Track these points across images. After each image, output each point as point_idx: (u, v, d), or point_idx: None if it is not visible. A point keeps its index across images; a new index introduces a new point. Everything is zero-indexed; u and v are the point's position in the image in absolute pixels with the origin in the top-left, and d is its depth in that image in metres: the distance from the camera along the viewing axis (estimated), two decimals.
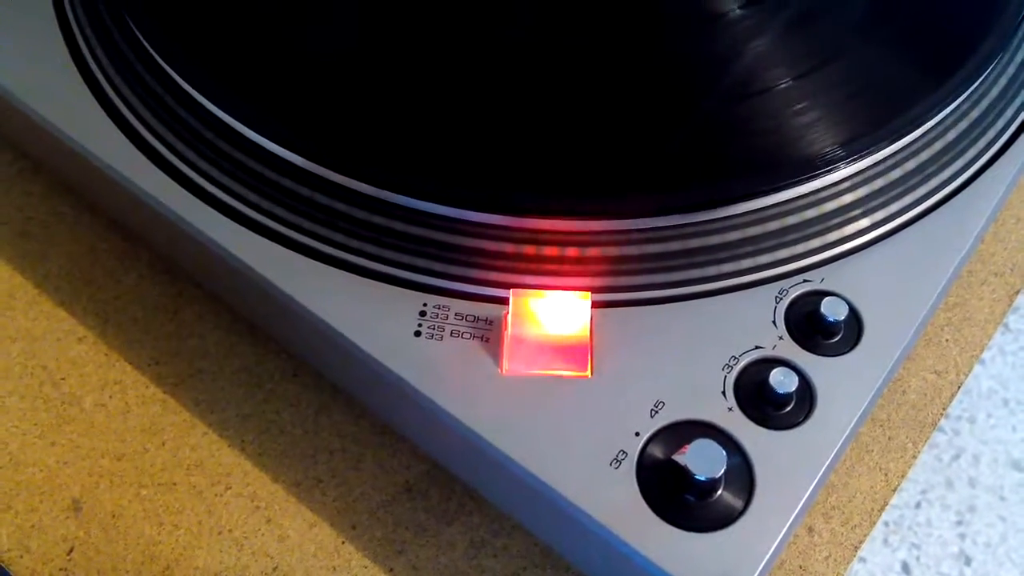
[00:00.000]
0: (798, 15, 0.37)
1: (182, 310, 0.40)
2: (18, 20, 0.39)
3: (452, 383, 0.31)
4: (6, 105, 0.37)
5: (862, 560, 0.47)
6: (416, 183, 0.32)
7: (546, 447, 0.30)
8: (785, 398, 0.30)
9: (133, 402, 0.38)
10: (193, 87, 0.35)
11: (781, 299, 0.32)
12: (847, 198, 0.33)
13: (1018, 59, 0.38)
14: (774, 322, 0.32)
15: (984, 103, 0.36)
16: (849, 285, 0.33)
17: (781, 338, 0.32)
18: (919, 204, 0.34)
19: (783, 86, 0.34)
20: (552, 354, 0.31)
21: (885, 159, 0.34)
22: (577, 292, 0.31)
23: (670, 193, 0.32)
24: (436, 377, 0.31)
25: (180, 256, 0.38)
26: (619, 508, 0.29)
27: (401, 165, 0.32)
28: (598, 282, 0.32)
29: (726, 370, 0.31)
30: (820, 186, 0.33)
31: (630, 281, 0.32)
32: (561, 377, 0.31)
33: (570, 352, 0.31)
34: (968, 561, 0.48)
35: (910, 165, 0.34)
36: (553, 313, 0.31)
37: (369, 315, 0.32)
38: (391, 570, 0.35)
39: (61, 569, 0.35)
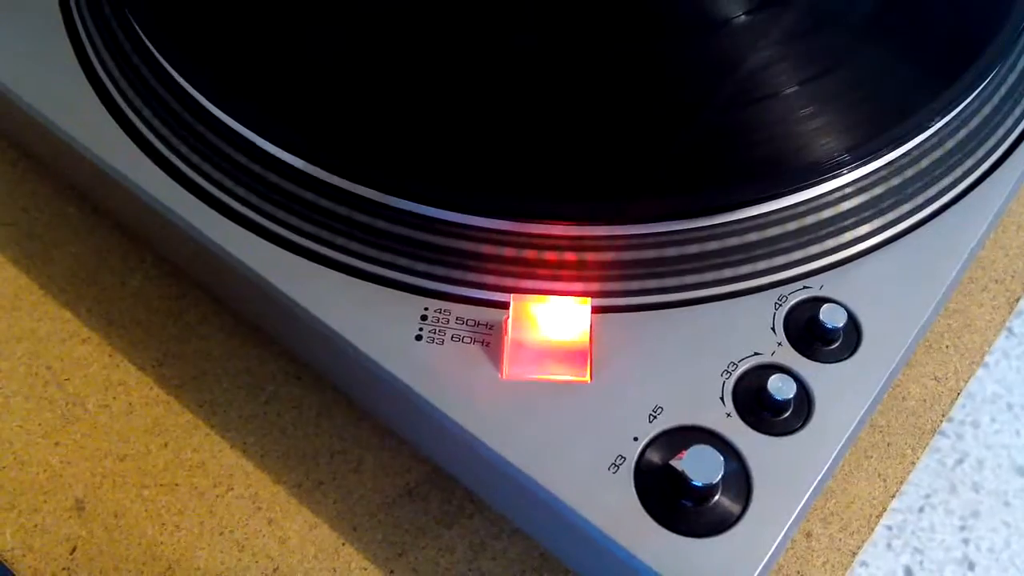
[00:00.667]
0: (802, 22, 0.38)
1: (186, 312, 0.40)
2: (23, 20, 0.40)
3: (452, 387, 0.31)
4: (10, 104, 0.38)
5: (864, 564, 0.47)
6: (417, 187, 0.32)
7: (545, 452, 0.30)
8: (783, 404, 0.30)
9: (136, 403, 0.39)
10: (195, 88, 0.35)
11: (780, 305, 0.33)
12: (846, 205, 0.33)
13: (1019, 67, 0.38)
14: (773, 328, 0.32)
15: (985, 110, 0.36)
16: (848, 292, 0.33)
17: (780, 344, 0.32)
18: (919, 211, 0.34)
19: (784, 93, 0.35)
20: (552, 359, 0.31)
21: (885, 166, 0.34)
22: (577, 297, 0.31)
23: (668, 199, 0.32)
24: (436, 381, 0.31)
25: (183, 258, 0.38)
26: (616, 513, 0.29)
27: (402, 169, 0.33)
28: (598, 287, 0.32)
29: (725, 376, 0.31)
30: (819, 193, 0.33)
31: (630, 286, 0.32)
32: (560, 382, 0.31)
33: (570, 357, 0.31)
34: (972, 566, 0.48)
35: (909, 172, 0.34)
36: (553, 318, 0.31)
37: (371, 319, 0.32)
38: (391, 572, 0.36)
39: (64, 568, 0.35)
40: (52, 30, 0.40)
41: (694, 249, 0.32)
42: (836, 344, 0.32)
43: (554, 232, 0.32)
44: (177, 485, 0.37)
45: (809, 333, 0.32)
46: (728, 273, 0.33)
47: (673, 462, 0.29)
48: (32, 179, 0.43)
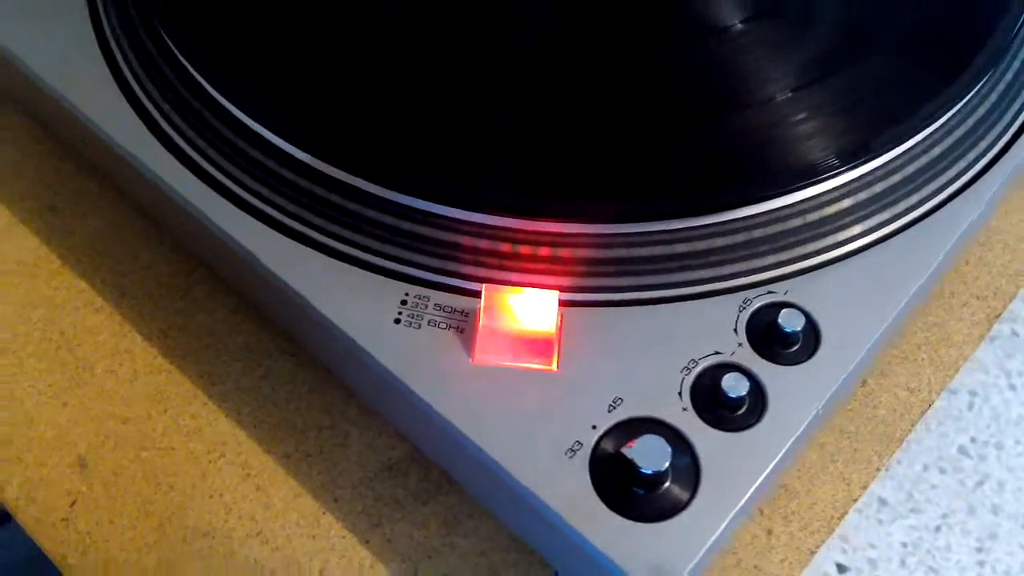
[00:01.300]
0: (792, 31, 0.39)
1: (193, 288, 0.43)
2: (52, 10, 0.42)
3: (425, 369, 0.33)
4: (38, 91, 0.40)
5: None
6: (397, 176, 0.34)
7: (507, 434, 0.32)
8: (736, 401, 0.32)
9: (141, 370, 0.41)
10: (196, 70, 0.37)
11: (745, 308, 0.34)
12: (812, 216, 0.35)
13: (999, 88, 0.39)
14: (735, 330, 0.34)
15: (959, 132, 0.37)
16: (812, 299, 0.34)
17: (740, 345, 0.33)
18: (886, 225, 0.35)
19: (760, 102, 0.36)
20: (520, 347, 0.33)
21: (853, 181, 0.35)
22: (547, 290, 0.33)
23: (632, 202, 0.34)
24: (410, 362, 0.33)
25: (187, 236, 0.40)
26: (570, 495, 0.31)
27: (383, 158, 0.34)
28: (568, 282, 0.34)
29: (684, 372, 0.33)
30: (785, 204, 0.34)
31: (599, 283, 0.34)
32: (527, 369, 0.33)
33: (537, 346, 0.33)
34: None
35: (878, 188, 0.35)
36: (523, 309, 0.33)
37: (354, 301, 0.34)
38: (367, 542, 0.37)
39: (63, 519, 0.38)
40: (76, 16, 0.42)
41: (662, 251, 0.34)
42: (795, 348, 0.33)
43: (527, 227, 0.33)
44: (174, 449, 0.39)
45: (769, 336, 0.33)
46: (695, 275, 0.34)
47: (624, 449, 0.31)
48: (56, 157, 0.46)
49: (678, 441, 0.32)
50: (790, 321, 0.33)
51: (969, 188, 0.36)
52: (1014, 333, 0.45)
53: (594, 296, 0.34)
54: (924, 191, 0.36)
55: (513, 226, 0.34)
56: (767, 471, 0.31)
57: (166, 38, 0.39)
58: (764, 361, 0.33)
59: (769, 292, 0.34)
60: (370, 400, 0.38)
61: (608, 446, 0.32)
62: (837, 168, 0.34)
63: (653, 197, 0.34)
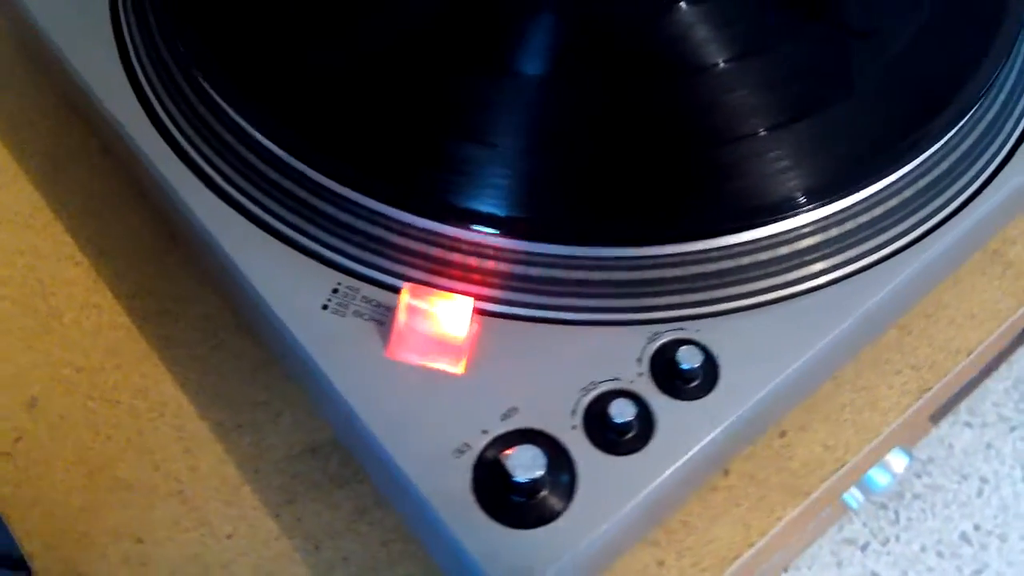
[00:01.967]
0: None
1: (167, 256, 0.45)
2: None
3: (340, 355, 0.35)
4: (42, 45, 0.43)
5: None
6: (335, 166, 0.36)
7: (402, 427, 0.34)
8: (622, 426, 0.33)
9: (105, 325, 0.43)
10: (162, 40, 0.40)
11: (653, 340, 0.35)
12: (728, 264, 0.36)
13: (962, 148, 0.39)
14: (639, 359, 0.35)
15: (907, 193, 0.38)
16: (719, 341, 0.35)
17: (641, 374, 0.35)
18: (803, 282, 0.36)
19: (698, 144, 0.37)
20: (431, 347, 0.35)
21: (772, 236, 0.36)
22: (462, 297, 0.34)
23: (556, 223, 0.35)
24: (328, 347, 0.35)
25: (158, 202, 0.43)
26: (449, 493, 0.32)
27: (325, 147, 0.37)
28: (487, 292, 0.35)
29: (582, 393, 0.34)
30: (700, 248, 0.36)
31: (517, 297, 0.36)
32: (435, 369, 0.35)
33: (447, 348, 0.35)
34: None
35: (801, 244, 0.36)
36: (437, 311, 0.35)
37: (288, 282, 0.36)
38: (277, 516, 0.39)
39: (6, 453, 0.40)
40: None
41: (580, 275, 0.35)
42: (693, 384, 0.34)
43: (451, 233, 0.35)
44: (119, 403, 0.42)
45: (668, 370, 0.34)
46: (609, 303, 0.35)
47: (501, 456, 0.32)
48: (63, 119, 0.49)
49: (561, 456, 0.33)
50: (688, 358, 0.34)
51: (901, 252, 0.37)
52: None
53: (511, 309, 0.36)
54: (847, 254, 0.37)
55: (438, 230, 0.35)
56: (640, 497, 0.33)
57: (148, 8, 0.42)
58: (659, 392, 0.34)
59: (680, 328, 0.35)
60: (295, 378, 0.40)
61: (494, 452, 0.33)
62: (753, 223, 0.36)
63: (572, 222, 0.35)
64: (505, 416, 0.34)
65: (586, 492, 0.33)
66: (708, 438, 0.34)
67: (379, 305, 0.36)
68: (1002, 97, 0.41)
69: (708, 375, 0.35)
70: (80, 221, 0.46)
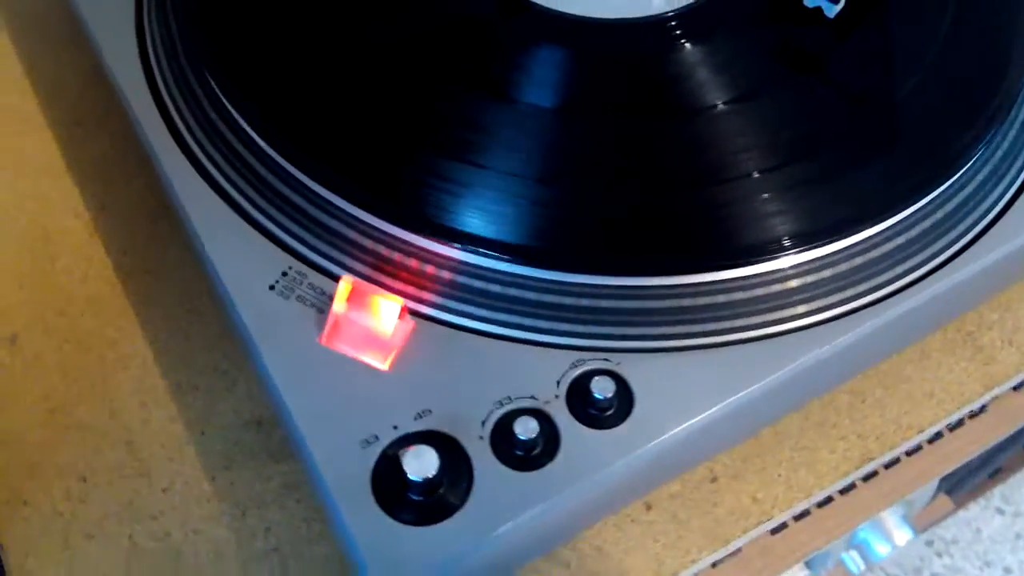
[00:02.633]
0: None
1: (160, 221, 0.47)
2: None
3: (276, 335, 0.37)
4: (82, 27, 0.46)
5: None
6: (291, 150, 0.38)
7: (320, 411, 0.35)
8: (526, 443, 0.34)
9: (92, 277, 0.46)
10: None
11: (576, 367, 0.36)
12: (652, 304, 0.36)
13: (934, 217, 0.39)
14: (558, 382, 0.36)
15: (858, 260, 0.38)
16: (639, 376, 0.36)
17: (557, 397, 0.35)
18: (739, 331, 0.36)
19: (651, 182, 0.38)
20: (362, 341, 0.36)
21: (706, 283, 0.37)
22: (393, 296, 0.36)
23: (495, 241, 0.36)
24: (266, 326, 0.37)
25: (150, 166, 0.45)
26: (347, 480, 0.34)
27: (285, 131, 0.38)
28: (425, 296, 0.37)
29: (496, 406, 0.35)
30: (640, 284, 0.36)
31: (453, 305, 0.37)
32: (362, 362, 0.36)
33: (376, 344, 0.36)
34: None
35: (738, 296, 0.37)
36: (371, 307, 0.36)
37: (242, 258, 0.38)
38: (213, 479, 0.41)
39: None
40: None
41: (513, 292, 0.36)
42: (607, 414, 0.35)
43: (394, 233, 0.37)
44: (90, 350, 0.44)
45: (583, 396, 0.35)
46: (540, 324, 0.36)
47: (400, 452, 0.33)
48: (96, 88, 0.52)
49: (462, 462, 0.34)
50: (602, 388, 0.35)
51: (827, 324, 0.37)
52: None
53: (446, 316, 0.37)
54: (788, 311, 0.37)
55: (387, 230, 0.37)
56: (530, 513, 0.33)
57: None
58: (571, 417, 0.35)
59: (605, 359, 0.36)
60: (242, 351, 0.42)
61: (397, 448, 0.34)
62: (694, 268, 0.36)
63: (518, 242, 0.36)
64: (419, 416, 0.35)
65: (478, 500, 0.33)
66: (608, 468, 0.34)
67: (323, 294, 0.37)
68: (987, 169, 0.41)
69: (622, 408, 0.35)
70: (89, 178, 0.49)
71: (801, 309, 0.37)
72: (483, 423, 0.35)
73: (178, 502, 0.41)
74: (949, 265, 0.39)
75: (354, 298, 0.36)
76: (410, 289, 0.37)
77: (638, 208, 0.38)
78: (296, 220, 0.38)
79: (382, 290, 0.36)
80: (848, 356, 0.38)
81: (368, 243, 0.37)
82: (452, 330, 0.37)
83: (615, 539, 0.40)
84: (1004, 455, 0.93)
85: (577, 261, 0.37)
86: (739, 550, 0.58)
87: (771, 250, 0.37)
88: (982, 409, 0.60)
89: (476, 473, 0.34)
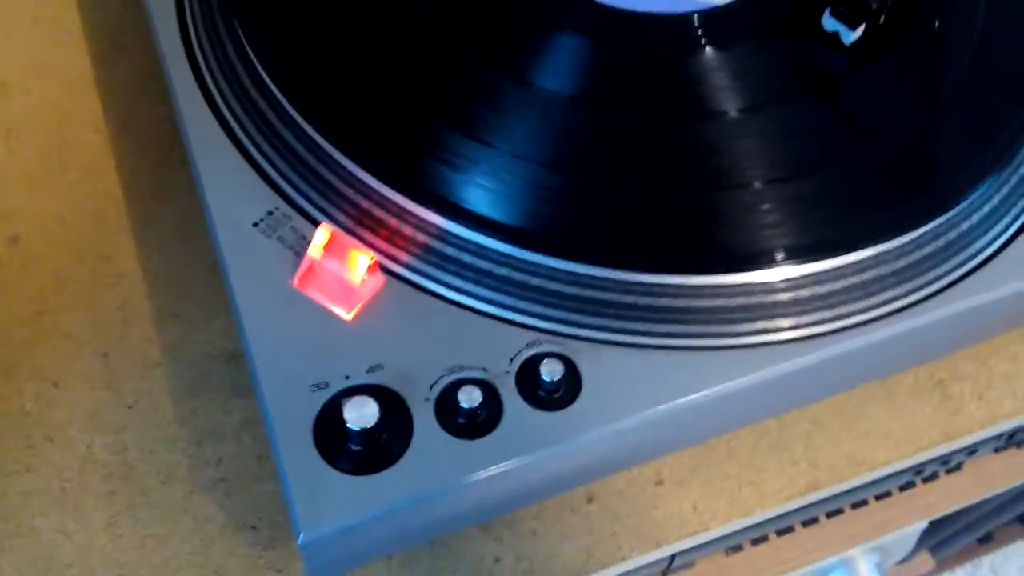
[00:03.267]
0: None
1: (176, 149, 0.49)
2: None
3: (250, 271, 0.38)
4: None
5: None
6: (292, 91, 0.39)
7: (278, 350, 0.36)
8: (467, 411, 0.35)
9: (99, 192, 0.47)
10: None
11: (531, 347, 0.37)
12: (627, 298, 0.37)
13: (923, 251, 0.39)
14: (512, 359, 0.36)
15: (839, 284, 0.38)
16: (590, 365, 0.36)
17: (507, 373, 0.36)
18: (703, 338, 0.37)
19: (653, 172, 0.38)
20: (331, 289, 0.37)
21: (668, 286, 0.37)
22: (365, 250, 0.37)
23: (472, 212, 0.37)
24: (244, 261, 0.38)
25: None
26: (292, 420, 0.35)
27: (293, 74, 0.40)
28: (400, 255, 0.38)
29: (446, 372, 0.36)
30: (602, 276, 0.37)
31: (424, 268, 0.37)
32: (328, 310, 0.37)
33: (343, 294, 0.37)
34: None
35: (699, 303, 0.37)
36: (343, 257, 0.37)
37: (232, 191, 0.39)
38: (176, 403, 0.42)
39: None
40: None
41: (484, 265, 0.37)
42: (552, 397, 0.36)
43: (379, 189, 0.38)
44: (84, 261, 0.46)
45: (531, 376, 0.36)
46: (502, 299, 0.37)
47: (343, 400, 0.34)
48: (138, 7, 0.53)
49: (405, 421, 0.35)
50: (549, 369, 0.35)
51: (787, 344, 0.37)
52: None
53: (416, 277, 0.38)
54: (755, 325, 0.37)
55: (369, 182, 0.38)
56: (458, 482, 0.34)
57: None
58: (516, 394, 0.36)
59: (559, 344, 0.37)
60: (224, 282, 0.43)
61: (344, 398, 0.35)
62: (668, 269, 0.37)
63: (491, 215, 0.37)
64: (371, 370, 0.36)
65: (412, 459, 0.34)
66: (543, 451, 0.35)
67: (303, 238, 0.38)
68: (983, 211, 0.41)
69: (568, 393, 0.36)
70: (115, 98, 0.50)
71: (760, 325, 0.37)
72: (431, 386, 0.36)
73: (140, 421, 0.42)
74: (923, 304, 0.39)
75: (331, 247, 0.37)
76: (385, 246, 0.38)
77: (625, 202, 0.38)
78: (290, 163, 0.39)
79: (359, 243, 0.37)
80: (805, 378, 0.38)
81: (352, 194, 0.38)
82: (418, 292, 0.37)
83: (551, 525, 0.41)
84: (994, 521, 0.92)
85: (555, 245, 0.37)
86: (693, 564, 0.59)
87: (740, 264, 0.37)
88: (958, 467, 0.60)
89: (415, 433, 0.35)
